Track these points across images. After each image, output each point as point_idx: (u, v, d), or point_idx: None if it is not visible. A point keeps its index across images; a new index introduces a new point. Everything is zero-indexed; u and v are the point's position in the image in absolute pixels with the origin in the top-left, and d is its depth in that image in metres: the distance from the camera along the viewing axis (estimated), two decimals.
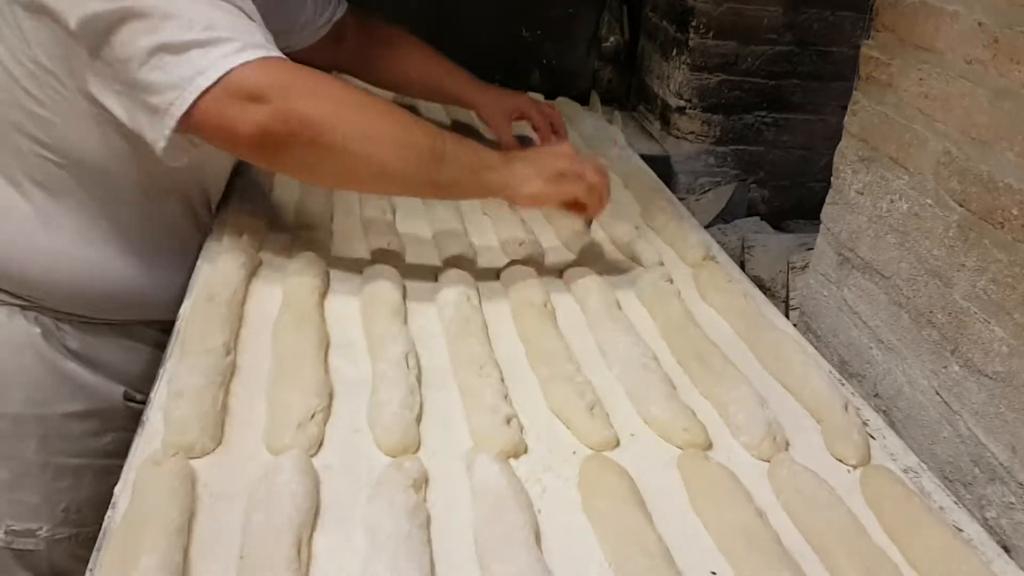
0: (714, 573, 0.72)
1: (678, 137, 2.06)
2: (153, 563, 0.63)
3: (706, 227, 1.88)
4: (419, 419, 0.86)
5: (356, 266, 1.15)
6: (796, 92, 2.02)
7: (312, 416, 0.82)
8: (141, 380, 1.11)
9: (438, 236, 1.27)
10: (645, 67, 2.26)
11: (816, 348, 1.23)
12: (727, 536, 0.74)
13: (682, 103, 2.02)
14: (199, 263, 1.11)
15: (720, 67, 1.98)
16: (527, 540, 0.69)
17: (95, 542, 0.70)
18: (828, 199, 1.33)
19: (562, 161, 1.09)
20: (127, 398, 1.15)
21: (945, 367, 1.02)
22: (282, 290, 1.05)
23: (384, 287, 1.07)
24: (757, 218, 1.99)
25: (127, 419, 1.11)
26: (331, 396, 0.88)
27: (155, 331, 1.15)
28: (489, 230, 1.33)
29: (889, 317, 1.15)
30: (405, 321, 1.03)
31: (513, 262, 1.21)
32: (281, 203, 1.30)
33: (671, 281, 1.19)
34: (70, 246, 1.07)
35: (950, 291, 1.02)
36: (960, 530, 0.79)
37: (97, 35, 0.90)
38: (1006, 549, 0.90)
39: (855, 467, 0.87)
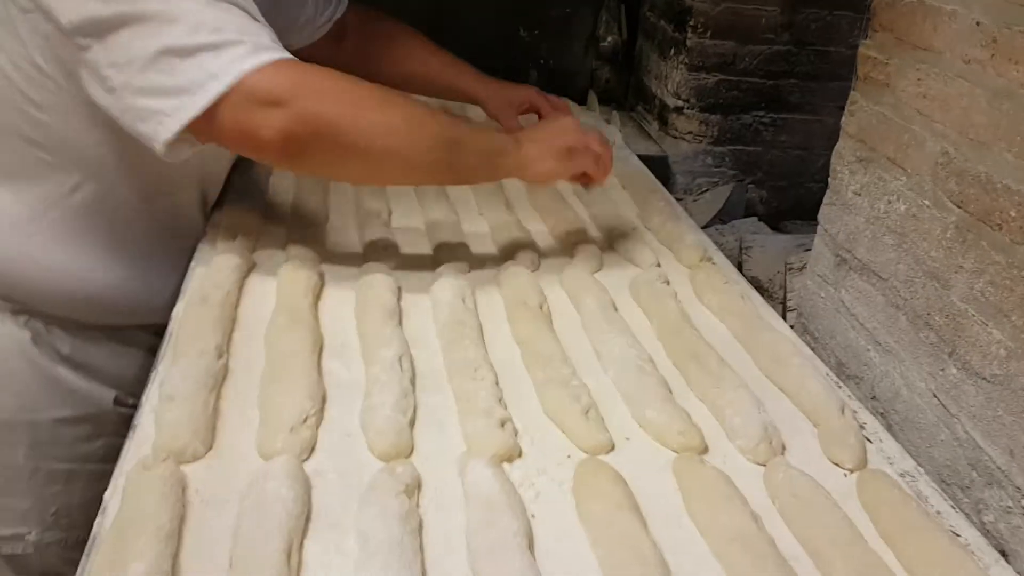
0: None
1: (676, 137, 2.05)
2: (142, 570, 0.63)
3: (704, 227, 1.88)
4: (412, 423, 0.85)
5: (351, 267, 1.14)
6: (794, 92, 2.01)
7: (304, 420, 0.81)
8: (133, 385, 1.11)
9: (433, 234, 1.26)
10: (643, 67, 2.25)
11: (813, 350, 1.23)
12: (722, 541, 0.73)
13: (680, 103, 2.01)
14: (192, 264, 1.11)
15: (718, 67, 1.97)
16: (520, 546, 0.69)
17: (85, 546, 0.69)
18: (825, 200, 1.32)
19: (570, 136, 1.13)
20: (118, 403, 1.14)
21: (943, 370, 1.02)
22: (276, 292, 1.05)
23: (378, 289, 1.06)
24: (755, 219, 1.99)
25: (118, 424, 1.10)
26: (324, 399, 0.87)
27: (148, 335, 1.14)
28: (484, 226, 1.33)
29: (887, 319, 1.14)
30: (399, 323, 1.02)
31: (509, 262, 1.20)
32: (276, 203, 1.29)
33: (667, 282, 1.18)
34: (62, 250, 1.06)
35: (948, 293, 1.01)
36: (957, 535, 0.78)
37: (92, 36, 0.89)
38: (1004, 554, 0.89)
39: (851, 471, 0.86)
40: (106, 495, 0.73)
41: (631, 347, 1.01)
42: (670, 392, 0.94)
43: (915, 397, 1.07)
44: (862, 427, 0.93)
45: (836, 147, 1.29)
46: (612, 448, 0.86)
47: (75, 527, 1.12)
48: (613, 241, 1.32)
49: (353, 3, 1.43)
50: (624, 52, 2.31)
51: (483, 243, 1.28)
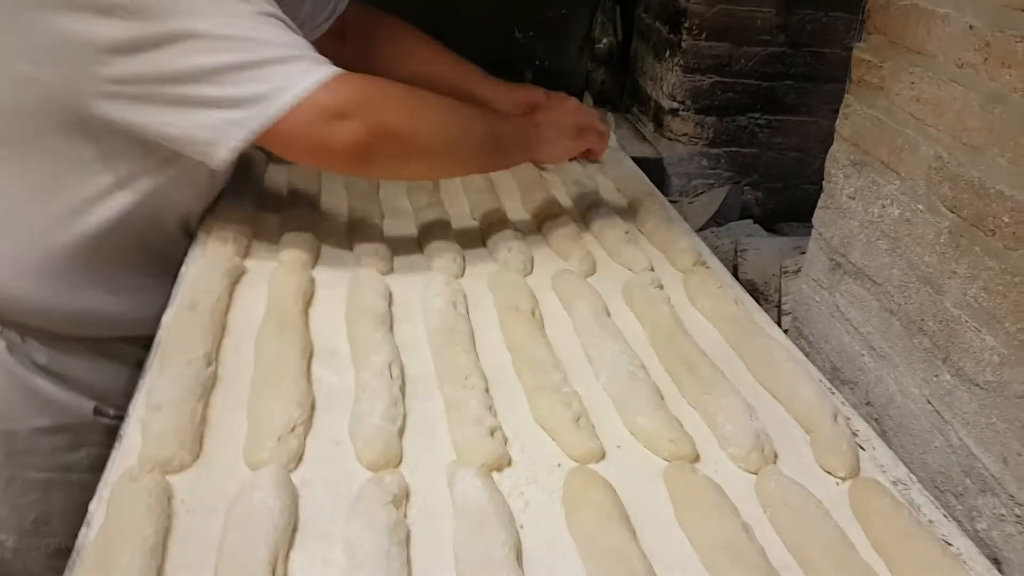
0: None
1: (671, 139, 2.05)
2: None
3: (699, 230, 1.88)
4: (402, 431, 0.85)
5: (344, 271, 1.13)
6: (789, 94, 2.01)
7: (292, 429, 0.80)
8: (113, 395, 1.10)
9: (425, 237, 1.26)
10: (638, 68, 2.25)
11: (808, 354, 1.23)
12: (712, 552, 0.73)
13: (675, 105, 2.01)
14: (183, 270, 1.10)
15: (713, 68, 1.97)
16: (508, 557, 0.68)
17: (69, 553, 0.69)
18: (820, 203, 1.31)
19: (576, 117, 1.29)
20: (99, 413, 1.13)
21: (936, 376, 1.01)
22: (266, 297, 1.04)
23: (369, 294, 1.06)
24: (750, 221, 1.98)
25: (100, 434, 1.09)
26: (313, 407, 0.86)
27: (129, 347, 1.12)
28: (476, 228, 1.32)
29: (881, 324, 1.14)
30: (391, 328, 1.02)
31: (501, 266, 1.20)
32: (267, 208, 1.28)
33: (661, 287, 1.18)
34: (45, 275, 1.06)
35: (941, 298, 1.01)
36: (949, 544, 0.77)
37: (136, 52, 0.92)
38: (996, 562, 0.89)
39: (844, 479, 0.86)
40: (91, 506, 0.73)
41: (623, 353, 1.00)
42: (662, 399, 0.93)
43: (909, 403, 1.07)
44: (855, 434, 0.92)
45: (830, 150, 1.28)
46: (603, 456, 0.85)
47: (56, 535, 1.11)
48: (607, 245, 1.31)
49: (358, 5, 1.43)
50: (619, 54, 2.30)
51: (475, 246, 1.27)
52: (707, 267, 1.27)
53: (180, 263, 1.12)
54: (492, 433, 0.84)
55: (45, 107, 0.98)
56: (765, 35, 1.94)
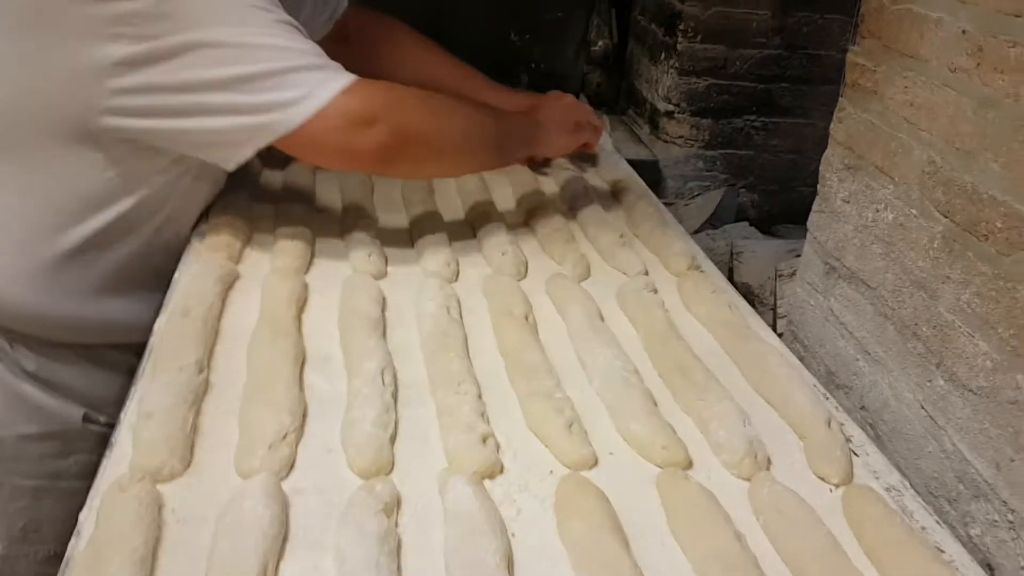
0: None
1: (667, 141, 2.05)
2: None
3: (695, 232, 1.88)
4: (394, 438, 0.84)
5: (338, 276, 1.13)
6: (785, 96, 2.01)
7: (284, 437, 0.80)
8: (104, 403, 1.10)
9: (419, 240, 1.25)
10: (634, 71, 2.25)
11: (803, 358, 1.23)
12: (704, 561, 0.72)
13: (671, 107, 2.01)
14: (175, 276, 1.10)
15: (708, 71, 1.97)
16: (498, 566, 0.68)
17: (59, 560, 0.68)
18: (814, 207, 1.31)
19: (575, 112, 1.40)
20: (88, 420, 1.13)
21: (930, 381, 1.01)
22: (259, 303, 1.04)
23: (362, 299, 1.05)
24: (746, 223, 1.98)
25: (90, 441, 1.09)
26: (305, 414, 0.86)
27: (120, 354, 1.12)
28: (471, 233, 1.32)
29: (875, 328, 1.14)
30: (383, 334, 1.02)
31: (495, 270, 1.20)
32: (261, 213, 1.28)
33: (655, 291, 1.18)
34: (34, 280, 1.05)
35: (935, 303, 1.01)
36: (942, 551, 0.77)
37: (155, 64, 0.95)
38: (990, 567, 0.89)
39: (837, 486, 0.85)
40: (81, 516, 0.72)
41: (616, 358, 1.00)
42: (655, 405, 0.93)
43: (903, 408, 1.07)
44: (848, 440, 0.92)
45: (824, 154, 1.28)
46: (595, 463, 0.85)
47: (45, 542, 1.11)
48: (601, 248, 1.31)
49: (354, 5, 1.42)
50: (615, 56, 2.30)
51: (470, 250, 1.27)
52: (701, 271, 1.26)
53: (175, 269, 1.12)
54: (484, 440, 0.83)
55: (47, 115, 0.99)
56: (760, 37, 1.94)
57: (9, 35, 0.98)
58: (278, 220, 1.26)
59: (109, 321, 1.12)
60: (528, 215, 1.39)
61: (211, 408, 0.86)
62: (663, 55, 2.02)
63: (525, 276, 1.21)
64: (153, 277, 1.12)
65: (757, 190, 2.10)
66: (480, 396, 0.91)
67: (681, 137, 2.02)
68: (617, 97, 2.34)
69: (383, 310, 1.07)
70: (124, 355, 1.09)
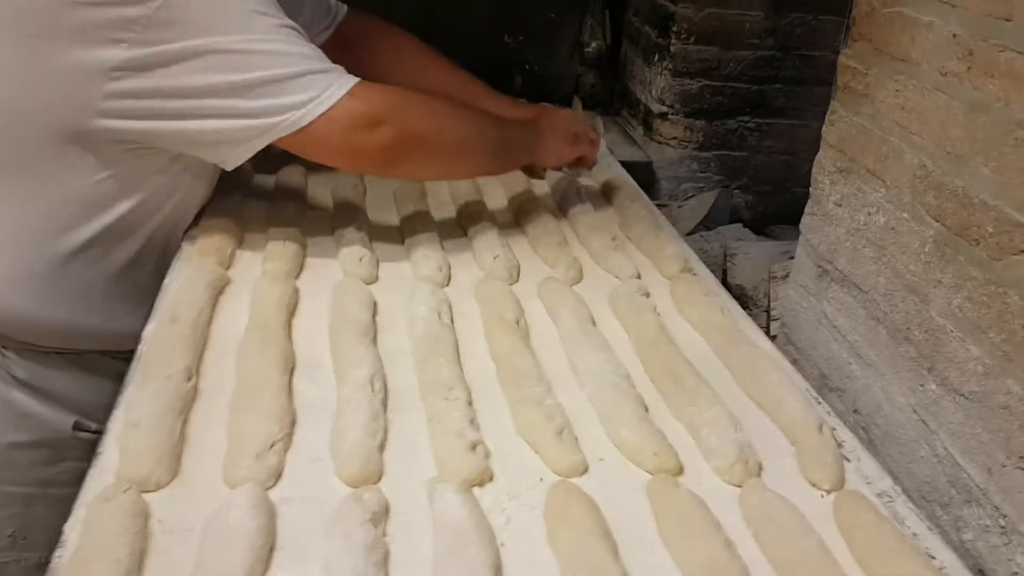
0: None
1: (661, 143, 2.04)
2: None
3: (688, 234, 1.87)
4: (383, 446, 0.84)
5: (329, 280, 1.12)
6: (779, 97, 2.01)
7: (271, 446, 0.79)
8: (94, 410, 1.09)
9: (412, 243, 1.25)
10: (628, 72, 2.24)
11: (796, 361, 1.23)
12: (694, 569, 0.72)
13: (664, 109, 2.01)
14: (165, 282, 1.09)
15: (702, 72, 1.97)
16: None
17: (47, 566, 0.68)
18: (807, 209, 1.31)
19: (572, 124, 1.40)
20: (79, 428, 1.12)
21: (922, 385, 1.01)
22: (249, 308, 1.03)
23: (353, 304, 1.05)
24: (740, 225, 1.98)
25: (81, 449, 1.08)
26: (294, 422, 0.86)
27: (111, 360, 1.12)
28: (463, 236, 1.32)
29: (867, 332, 1.13)
30: (374, 340, 1.01)
31: (487, 274, 1.19)
32: (251, 218, 1.27)
33: (647, 295, 1.17)
34: (26, 277, 1.05)
35: (927, 308, 1.01)
36: (933, 557, 0.77)
37: (155, 68, 0.96)
38: (982, 573, 0.89)
39: (829, 491, 0.85)
40: (66, 527, 0.72)
41: (608, 363, 0.99)
42: (646, 410, 0.93)
43: (896, 412, 1.06)
44: (840, 445, 0.92)
45: (817, 157, 1.28)
46: (585, 470, 0.85)
47: (35, 549, 1.10)
48: (593, 252, 1.30)
49: (353, 11, 1.42)
50: (609, 57, 2.30)
51: (462, 253, 1.26)
52: (694, 274, 1.26)
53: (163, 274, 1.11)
54: (474, 447, 0.83)
55: (42, 118, 0.99)
56: (754, 39, 1.94)
57: (6, 37, 0.97)
58: (270, 223, 1.26)
59: (104, 327, 1.11)
60: (520, 218, 1.39)
61: (199, 416, 0.86)
62: (656, 56, 2.02)
63: (517, 280, 1.21)
64: (149, 282, 1.12)
65: (751, 191, 2.09)
66: (470, 402, 0.91)
67: (675, 138, 2.02)
68: (611, 98, 2.34)
69: (374, 315, 1.06)
70: (115, 362, 1.09)
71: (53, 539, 0.71)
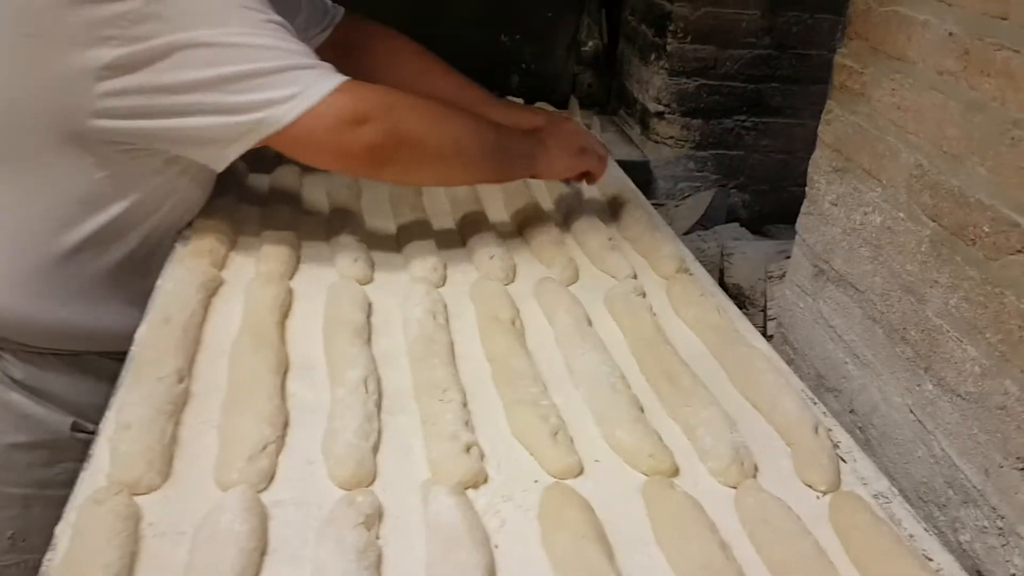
0: None
1: (657, 142, 2.04)
2: None
3: (685, 233, 1.87)
4: (376, 448, 0.83)
5: (323, 281, 1.12)
6: (776, 96, 2.00)
7: (264, 448, 0.79)
8: (92, 411, 1.08)
9: (407, 245, 1.25)
10: (625, 71, 2.24)
11: (793, 360, 1.22)
12: (689, 572, 0.72)
13: (661, 108, 2.00)
14: (158, 283, 1.08)
15: (699, 71, 1.96)
16: None
17: None
18: (803, 209, 1.31)
19: (579, 137, 1.32)
20: (77, 429, 1.12)
21: (919, 385, 1.01)
22: (242, 310, 1.03)
23: (347, 305, 1.04)
24: (737, 224, 1.98)
25: (79, 450, 1.07)
26: (286, 424, 0.85)
27: (108, 361, 1.11)
28: (459, 237, 1.31)
29: (864, 332, 1.13)
30: (368, 341, 1.01)
31: (483, 274, 1.19)
32: (246, 218, 1.27)
33: (643, 295, 1.17)
34: (19, 289, 1.05)
35: (923, 308, 1.00)
36: (930, 559, 0.76)
37: (145, 66, 0.94)
38: (980, 574, 0.88)
39: (824, 493, 0.85)
40: (57, 530, 0.71)
41: (603, 363, 0.99)
42: (642, 411, 0.92)
43: (892, 412, 1.06)
44: (836, 446, 0.91)
45: (813, 156, 1.28)
46: (580, 471, 0.84)
47: (35, 551, 1.09)
48: (590, 252, 1.30)
49: (350, 15, 1.41)
50: (605, 56, 2.29)
51: (457, 254, 1.26)
52: (690, 274, 1.26)
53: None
54: (468, 449, 0.82)
55: (38, 119, 0.99)
56: (750, 37, 1.94)
57: (3, 38, 0.97)
58: (264, 224, 1.25)
59: (101, 327, 1.11)
60: (517, 219, 1.39)
61: (191, 418, 0.85)
62: (653, 56, 2.01)
63: (513, 280, 1.20)
64: (146, 283, 1.11)
65: (748, 190, 2.09)
66: (465, 404, 0.90)
67: (672, 138, 2.02)
68: (608, 98, 2.34)
69: (369, 316, 1.06)
70: (113, 363, 1.08)
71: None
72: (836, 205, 1.20)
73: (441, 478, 0.79)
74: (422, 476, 0.81)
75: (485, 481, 0.81)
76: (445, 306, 1.09)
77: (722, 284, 1.63)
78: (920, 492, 0.99)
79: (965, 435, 0.92)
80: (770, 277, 1.57)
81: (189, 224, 1.20)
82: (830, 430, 0.94)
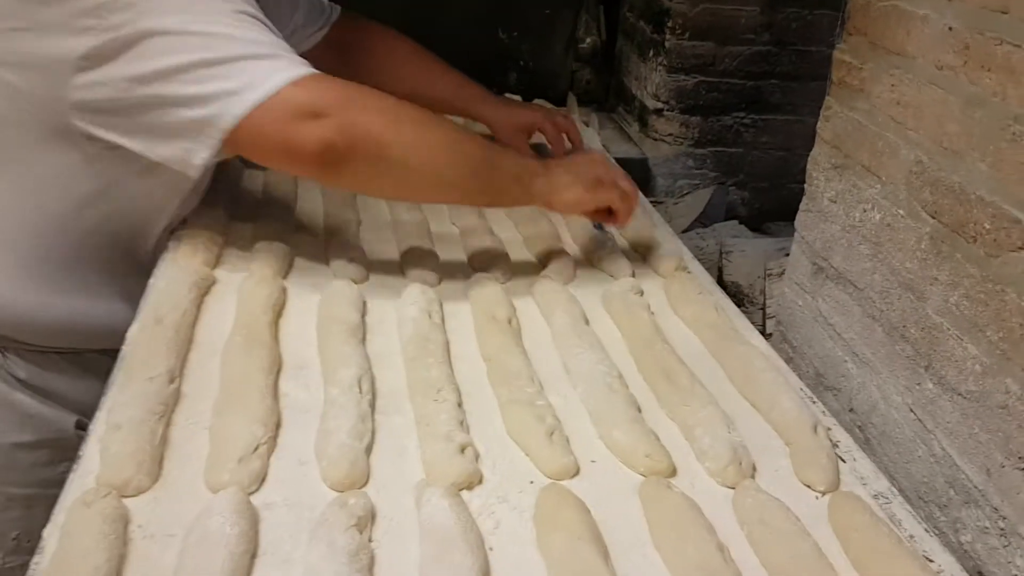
0: None
1: (656, 139, 2.03)
2: None
3: (684, 231, 1.86)
4: (370, 449, 0.82)
5: (317, 280, 1.11)
6: (775, 92, 1.99)
7: (255, 449, 0.78)
8: (95, 409, 1.08)
9: (402, 242, 1.23)
10: (623, 68, 2.23)
11: (792, 359, 1.21)
12: (687, 573, 0.71)
13: (659, 105, 1.99)
14: (150, 282, 1.07)
15: (697, 68, 1.95)
16: None
17: None
18: (802, 206, 1.30)
19: (599, 168, 1.15)
20: (80, 427, 1.11)
21: (919, 384, 1.00)
22: (235, 309, 1.02)
23: (341, 305, 1.03)
24: (736, 222, 1.97)
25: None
26: (279, 425, 0.84)
27: (111, 359, 1.10)
28: (455, 235, 1.30)
29: (863, 330, 1.12)
30: (363, 340, 1.00)
31: (480, 273, 1.18)
32: (240, 216, 1.26)
33: (641, 293, 1.16)
34: (19, 280, 1.04)
35: (923, 305, 0.99)
36: (930, 560, 0.76)
37: (112, 58, 0.91)
38: (981, 575, 0.87)
39: (823, 493, 0.84)
40: (45, 532, 0.70)
41: (600, 363, 0.98)
42: (639, 411, 0.91)
43: (892, 411, 1.05)
44: (835, 445, 0.90)
45: (812, 153, 1.27)
46: (576, 472, 0.83)
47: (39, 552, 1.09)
48: (587, 251, 1.29)
49: (348, 14, 1.40)
50: (604, 53, 2.28)
51: (454, 253, 1.25)
52: (689, 272, 1.25)
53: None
54: (462, 450, 0.81)
55: (26, 114, 0.97)
56: (749, 34, 1.92)
57: None
58: (258, 223, 1.24)
59: (101, 324, 1.10)
60: (514, 217, 1.38)
61: (182, 419, 0.84)
62: (652, 52, 2.00)
63: (510, 279, 1.19)
64: (144, 279, 1.10)
65: (747, 188, 2.08)
66: (460, 404, 0.90)
67: (670, 135, 2.01)
68: (606, 95, 2.32)
69: (363, 316, 1.05)
70: (114, 360, 1.08)
71: None
72: (835, 202, 1.19)
73: (435, 479, 0.78)
74: (416, 477, 0.80)
75: (480, 482, 0.80)
76: (441, 305, 1.08)
77: (721, 282, 1.61)
78: (920, 492, 0.98)
79: (966, 434, 0.91)
80: (769, 275, 1.56)
81: (183, 222, 1.20)
82: (829, 429, 0.93)
